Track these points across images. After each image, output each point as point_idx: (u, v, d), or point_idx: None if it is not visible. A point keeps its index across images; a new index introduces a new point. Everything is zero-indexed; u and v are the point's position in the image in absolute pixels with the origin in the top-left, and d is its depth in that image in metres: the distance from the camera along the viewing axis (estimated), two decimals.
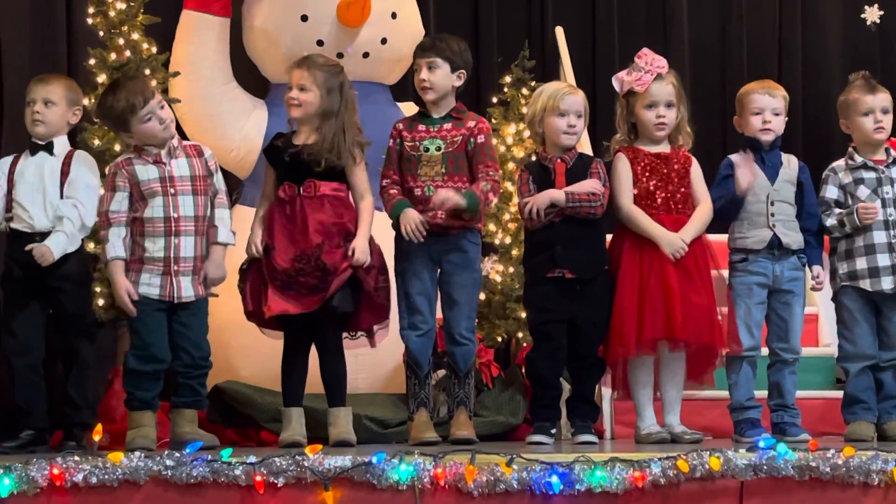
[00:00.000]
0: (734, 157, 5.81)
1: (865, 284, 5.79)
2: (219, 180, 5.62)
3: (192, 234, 5.46)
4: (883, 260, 5.78)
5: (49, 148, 5.70)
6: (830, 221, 5.83)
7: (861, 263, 5.80)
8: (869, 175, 5.85)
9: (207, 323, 5.57)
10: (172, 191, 5.45)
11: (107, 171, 5.59)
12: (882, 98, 5.87)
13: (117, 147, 6.14)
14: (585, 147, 6.73)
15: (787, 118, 5.88)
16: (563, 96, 5.71)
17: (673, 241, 5.63)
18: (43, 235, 5.60)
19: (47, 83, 5.74)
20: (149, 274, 5.42)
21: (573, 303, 5.64)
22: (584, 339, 5.67)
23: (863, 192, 5.83)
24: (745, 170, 5.71)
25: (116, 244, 5.43)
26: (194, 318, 5.50)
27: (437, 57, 5.66)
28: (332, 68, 5.67)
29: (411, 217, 5.56)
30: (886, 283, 5.77)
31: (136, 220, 5.45)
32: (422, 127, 5.71)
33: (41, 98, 5.70)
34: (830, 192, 5.89)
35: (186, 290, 5.46)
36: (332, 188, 5.57)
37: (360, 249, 5.50)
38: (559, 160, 5.71)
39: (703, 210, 5.73)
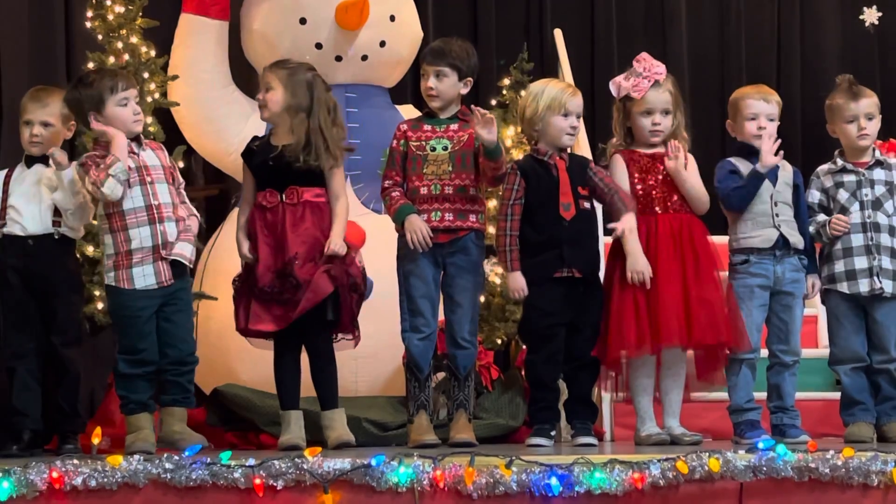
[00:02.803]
0: (733, 160, 5.82)
1: (843, 287, 5.79)
2: (179, 176, 5.68)
3: (172, 220, 5.49)
4: (860, 263, 5.76)
5: (45, 160, 5.70)
6: (811, 229, 5.83)
7: (839, 266, 5.80)
8: (849, 178, 5.84)
9: (192, 319, 5.62)
10: (150, 179, 5.48)
11: (79, 162, 5.51)
12: (865, 104, 5.83)
13: None
14: (584, 148, 6.74)
15: (778, 122, 5.88)
16: (570, 97, 5.71)
17: (637, 265, 5.60)
18: (35, 238, 5.62)
19: (45, 104, 5.71)
20: (140, 266, 5.43)
21: (575, 304, 5.65)
22: (582, 341, 5.67)
23: (842, 195, 5.83)
24: (769, 143, 5.70)
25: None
26: (180, 313, 5.52)
27: (447, 66, 5.66)
28: (298, 67, 5.64)
29: (417, 226, 5.56)
30: (863, 287, 5.76)
31: (113, 214, 5.43)
32: (427, 127, 5.70)
33: (39, 121, 5.70)
34: (813, 196, 5.89)
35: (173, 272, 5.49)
36: (314, 194, 5.55)
37: (334, 244, 5.49)
38: (558, 158, 5.72)
39: None
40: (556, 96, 5.70)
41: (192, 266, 5.65)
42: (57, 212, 5.64)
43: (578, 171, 5.72)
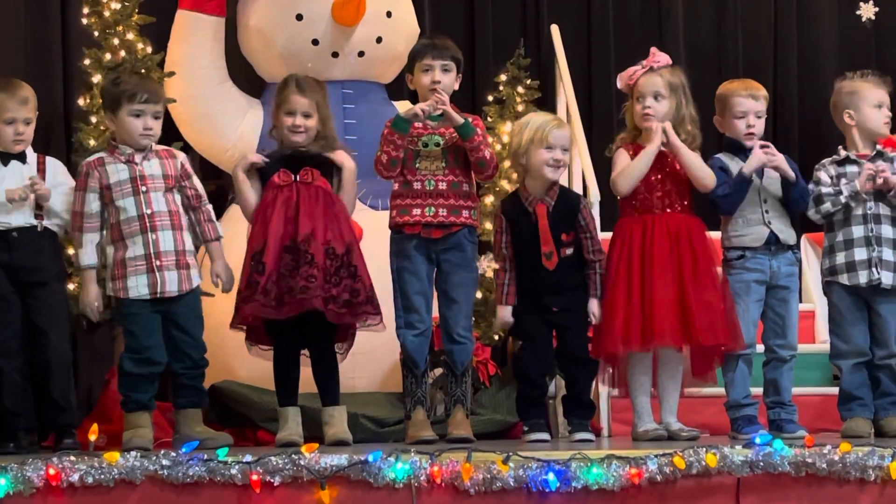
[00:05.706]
0: (722, 156, 5.81)
1: (843, 279, 5.78)
2: (197, 183, 5.65)
3: (168, 229, 5.49)
4: (860, 254, 5.75)
5: (22, 157, 5.67)
6: (825, 190, 5.80)
7: (840, 258, 5.79)
8: (852, 169, 5.82)
9: (203, 320, 5.60)
10: (144, 189, 5.48)
11: (79, 169, 5.57)
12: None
13: None
14: (575, 176, 6.71)
15: (766, 116, 5.88)
16: (552, 129, 5.66)
17: (657, 127, 5.62)
18: (20, 231, 5.57)
19: (25, 100, 5.64)
20: (135, 276, 5.44)
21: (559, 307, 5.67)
22: (569, 340, 5.68)
23: (845, 185, 5.83)
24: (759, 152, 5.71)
25: (89, 251, 5.50)
26: (190, 320, 5.53)
27: (451, 60, 5.67)
28: (320, 85, 5.65)
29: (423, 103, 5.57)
30: (863, 278, 5.75)
31: (112, 225, 5.48)
32: (418, 124, 5.69)
33: (22, 118, 5.63)
34: (824, 181, 5.83)
35: (171, 284, 5.47)
36: (325, 183, 5.55)
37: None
38: (540, 202, 5.67)
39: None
40: (539, 127, 5.66)
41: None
42: (38, 205, 5.61)
43: (564, 214, 5.68)
